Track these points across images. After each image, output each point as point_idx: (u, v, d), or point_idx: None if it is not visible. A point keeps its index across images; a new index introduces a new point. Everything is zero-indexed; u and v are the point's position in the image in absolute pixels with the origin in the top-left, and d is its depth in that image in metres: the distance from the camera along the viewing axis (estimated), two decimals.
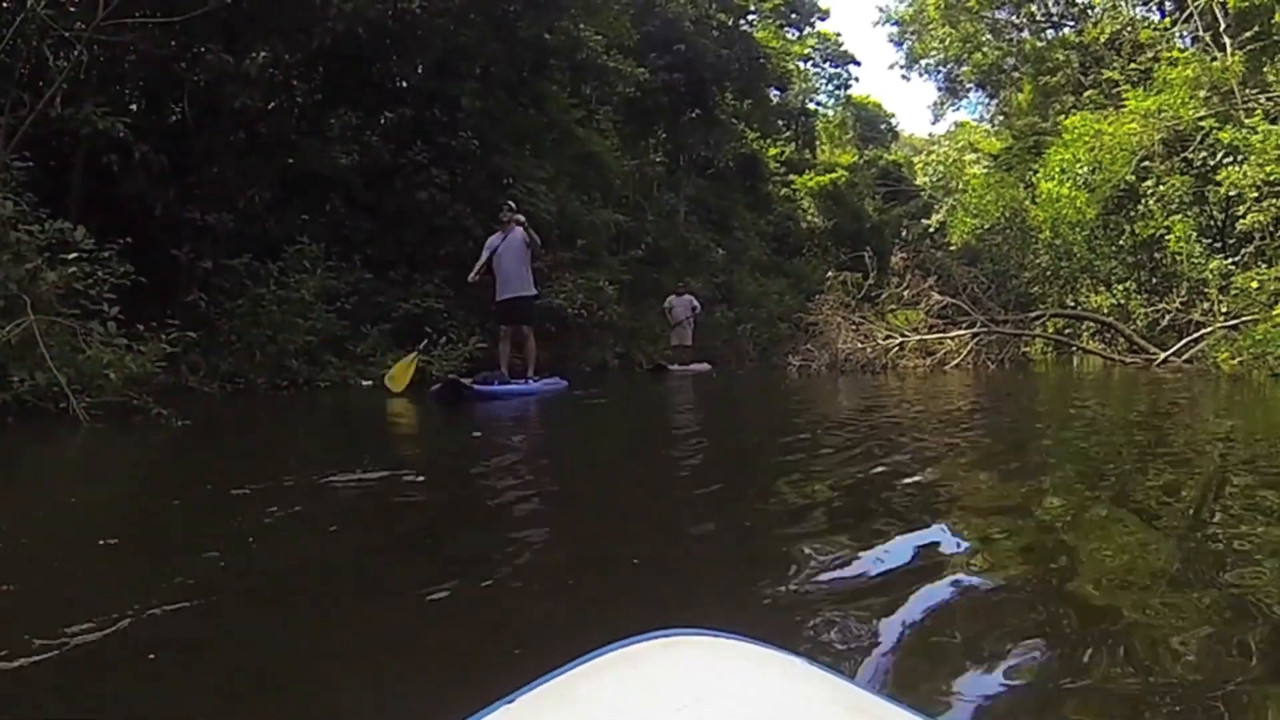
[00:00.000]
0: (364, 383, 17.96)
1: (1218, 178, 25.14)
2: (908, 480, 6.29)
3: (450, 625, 3.32)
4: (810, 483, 6.13)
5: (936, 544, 4.21)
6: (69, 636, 3.14)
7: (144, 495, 6.54)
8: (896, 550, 4.11)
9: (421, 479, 6.67)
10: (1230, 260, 25.01)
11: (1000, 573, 3.88)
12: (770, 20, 54.50)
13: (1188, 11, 33.62)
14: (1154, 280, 28.89)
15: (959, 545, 4.11)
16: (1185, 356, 22.24)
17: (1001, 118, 53.67)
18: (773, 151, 53.26)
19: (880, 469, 6.70)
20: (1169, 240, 26.19)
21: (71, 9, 15.06)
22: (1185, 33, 35.33)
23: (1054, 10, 46.53)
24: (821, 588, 3.51)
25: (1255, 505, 5.26)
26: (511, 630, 3.21)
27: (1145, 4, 38.93)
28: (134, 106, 18.58)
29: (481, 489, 6.65)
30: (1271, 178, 23.46)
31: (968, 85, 53.33)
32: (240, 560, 4.29)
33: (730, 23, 43.22)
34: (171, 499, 6.17)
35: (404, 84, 23.51)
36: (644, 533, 5.06)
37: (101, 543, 4.71)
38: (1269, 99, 26.45)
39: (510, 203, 17.15)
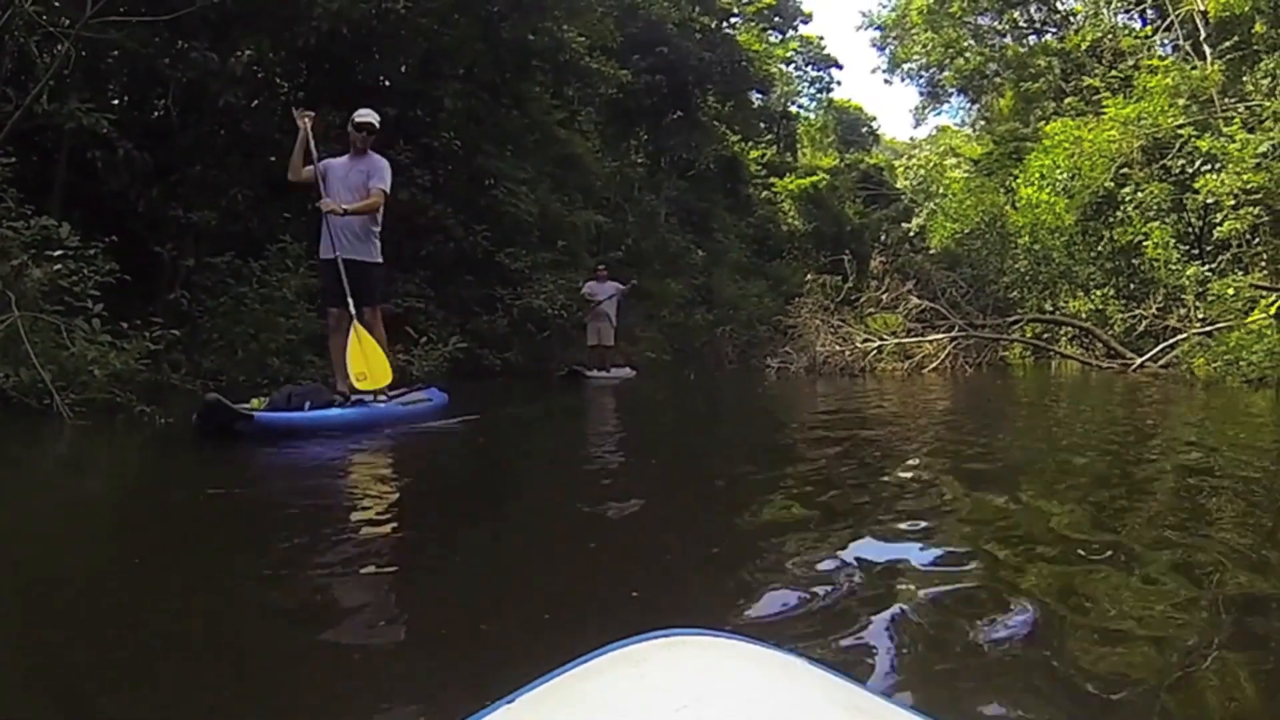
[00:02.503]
0: None
1: (1196, 185, 25.29)
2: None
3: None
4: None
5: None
6: (54, 638, 3.21)
7: (129, 494, 6.58)
8: None
9: (397, 477, 6.70)
10: (1207, 267, 25.15)
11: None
12: (753, 23, 54.55)
13: (1169, 20, 33.75)
14: (1132, 286, 29.03)
15: None
16: (1161, 362, 22.35)
17: (983, 123, 53.79)
18: (754, 154, 53.23)
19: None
20: (1147, 247, 26.33)
21: (57, 4, 15.05)
22: (1166, 41, 35.48)
23: (1036, 17, 46.65)
24: None
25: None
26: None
27: (1127, 12, 39.01)
28: (116, 102, 18.55)
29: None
30: (1248, 186, 23.57)
31: (949, 90, 53.42)
32: (222, 562, 4.35)
33: (713, 25, 43.23)
34: (154, 499, 6.21)
35: (387, 83, 23.47)
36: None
37: (88, 542, 4.77)
38: (1247, 108, 26.59)
39: (372, 117, 10.67)
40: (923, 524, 5.03)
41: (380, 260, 10.85)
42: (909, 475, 7.10)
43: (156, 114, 18.76)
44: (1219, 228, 25.02)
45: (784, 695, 1.00)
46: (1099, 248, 29.66)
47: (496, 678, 2.45)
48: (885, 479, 7.01)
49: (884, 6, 54.45)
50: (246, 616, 3.48)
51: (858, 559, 4.14)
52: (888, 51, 54.28)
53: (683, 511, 5.84)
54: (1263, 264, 24.53)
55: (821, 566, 4.01)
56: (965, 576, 3.88)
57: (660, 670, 1.05)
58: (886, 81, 58.37)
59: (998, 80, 48.76)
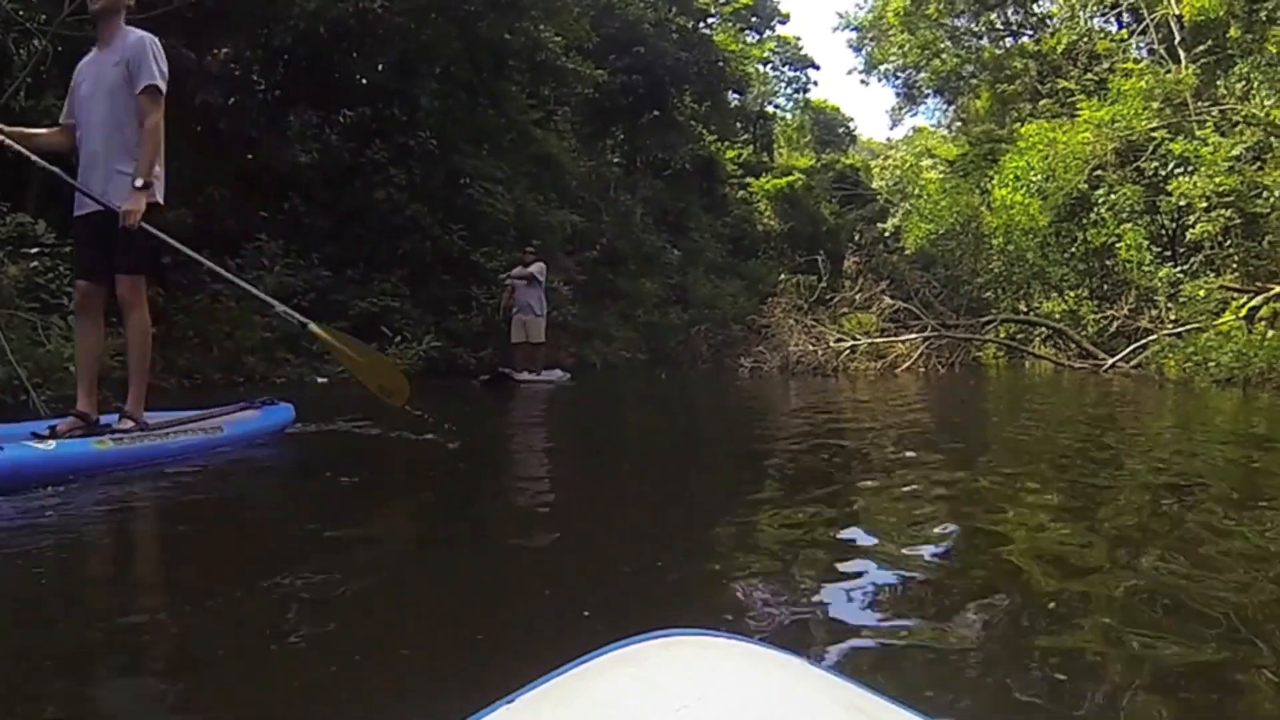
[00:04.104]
0: (319, 379, 17.92)
1: (1169, 188, 25.41)
2: None
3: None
4: None
5: None
6: (34, 639, 3.24)
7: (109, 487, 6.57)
8: None
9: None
10: (1179, 269, 25.29)
11: None
12: (730, 23, 54.45)
13: (1144, 24, 33.89)
14: (1105, 287, 29.11)
15: None
16: (1133, 363, 22.43)
17: (959, 124, 53.85)
18: (730, 154, 53.10)
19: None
20: (1120, 248, 26.41)
21: (34, 0, 15.04)
22: (1142, 44, 35.60)
23: (1013, 19, 46.76)
24: None
25: None
26: None
27: (1103, 15, 39.13)
28: None
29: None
30: (1220, 188, 23.75)
31: (926, 91, 53.47)
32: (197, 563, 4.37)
33: (690, 26, 43.11)
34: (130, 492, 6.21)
35: (364, 81, 23.44)
36: None
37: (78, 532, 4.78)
38: (1220, 111, 26.73)
39: None
40: (900, 531, 5.01)
41: (152, 201, 6.97)
42: (883, 478, 7.14)
43: None
44: (1191, 230, 25.18)
45: (784, 695, 1.01)
46: (1072, 249, 29.73)
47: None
48: (855, 477, 7.05)
49: (861, 8, 54.75)
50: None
51: (827, 567, 4.14)
52: (864, 52, 54.52)
53: (645, 519, 5.81)
54: (1234, 266, 24.67)
55: (787, 577, 4.05)
56: (947, 576, 3.93)
57: (660, 670, 1.06)
58: (863, 82, 58.63)
59: (974, 82, 48.81)
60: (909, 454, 8.43)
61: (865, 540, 4.66)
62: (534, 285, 20.21)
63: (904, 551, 4.31)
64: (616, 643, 1.14)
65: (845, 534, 4.86)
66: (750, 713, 0.96)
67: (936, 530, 4.91)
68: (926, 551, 4.29)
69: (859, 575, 3.85)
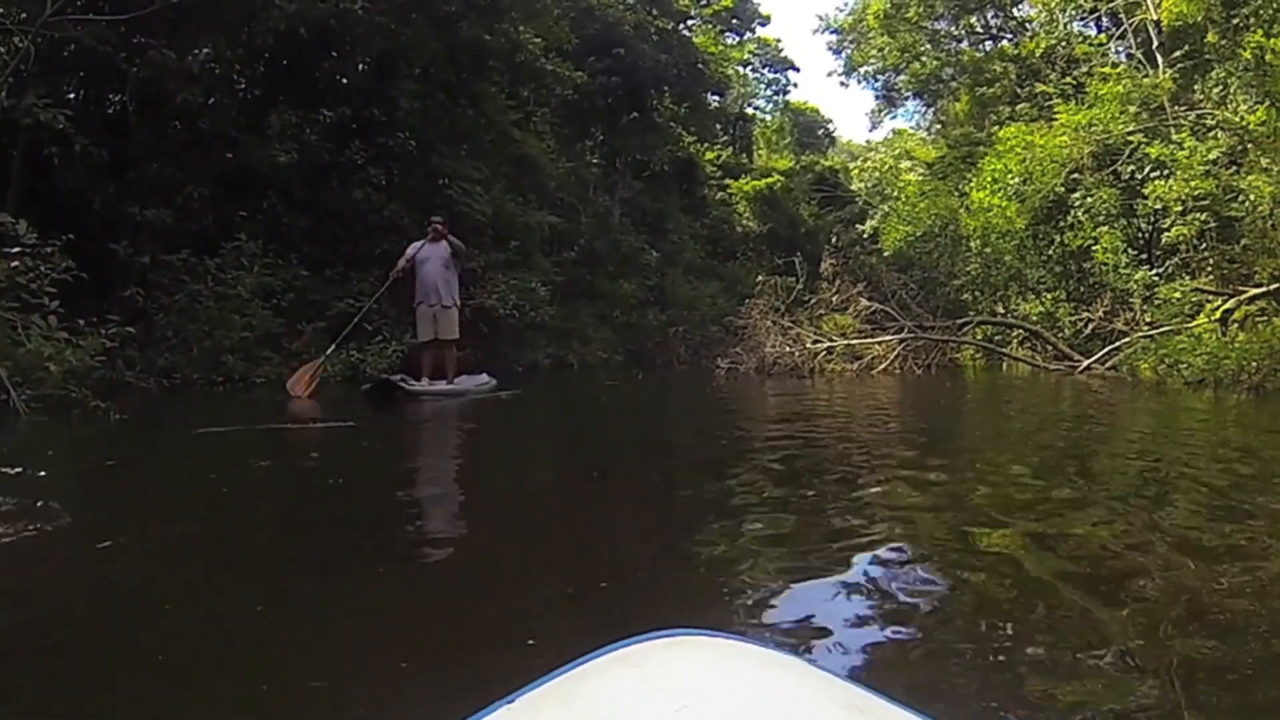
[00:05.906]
0: None
1: (1145, 191, 25.46)
2: None
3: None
4: None
5: None
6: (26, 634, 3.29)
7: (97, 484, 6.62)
8: None
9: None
10: (1155, 271, 25.38)
11: None
12: (710, 25, 54.47)
13: (1123, 28, 34.00)
14: (1081, 289, 29.18)
15: None
16: (1108, 364, 22.53)
17: (938, 127, 53.97)
18: (710, 155, 53.01)
19: None
20: (1096, 251, 26.50)
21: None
22: (1120, 49, 35.69)
23: (993, 23, 46.82)
24: None
25: None
26: None
27: (1082, 20, 39.20)
28: (73, 97, 18.48)
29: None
30: (1196, 192, 23.82)
31: (905, 94, 53.51)
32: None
33: (670, 28, 43.07)
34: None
35: (344, 82, 23.41)
36: None
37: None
38: (1197, 116, 26.84)
39: None
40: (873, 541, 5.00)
41: None
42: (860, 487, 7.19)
43: (113, 110, 18.75)
44: (1167, 233, 25.26)
45: (784, 695, 1.01)
46: (1049, 251, 29.80)
47: None
48: (841, 475, 7.11)
49: (841, 10, 54.78)
50: None
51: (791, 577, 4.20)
52: (844, 55, 54.41)
53: (608, 530, 5.84)
54: (1208, 269, 24.75)
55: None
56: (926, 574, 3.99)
57: (660, 670, 1.07)
58: (843, 84, 58.68)
59: (953, 85, 48.87)
60: (888, 454, 8.51)
61: (857, 539, 4.73)
62: (448, 266, 16.14)
63: (893, 551, 4.37)
64: (616, 643, 1.15)
65: (834, 534, 4.93)
66: (750, 713, 0.97)
67: (924, 530, 4.97)
68: (914, 550, 4.36)
69: (853, 574, 3.91)
